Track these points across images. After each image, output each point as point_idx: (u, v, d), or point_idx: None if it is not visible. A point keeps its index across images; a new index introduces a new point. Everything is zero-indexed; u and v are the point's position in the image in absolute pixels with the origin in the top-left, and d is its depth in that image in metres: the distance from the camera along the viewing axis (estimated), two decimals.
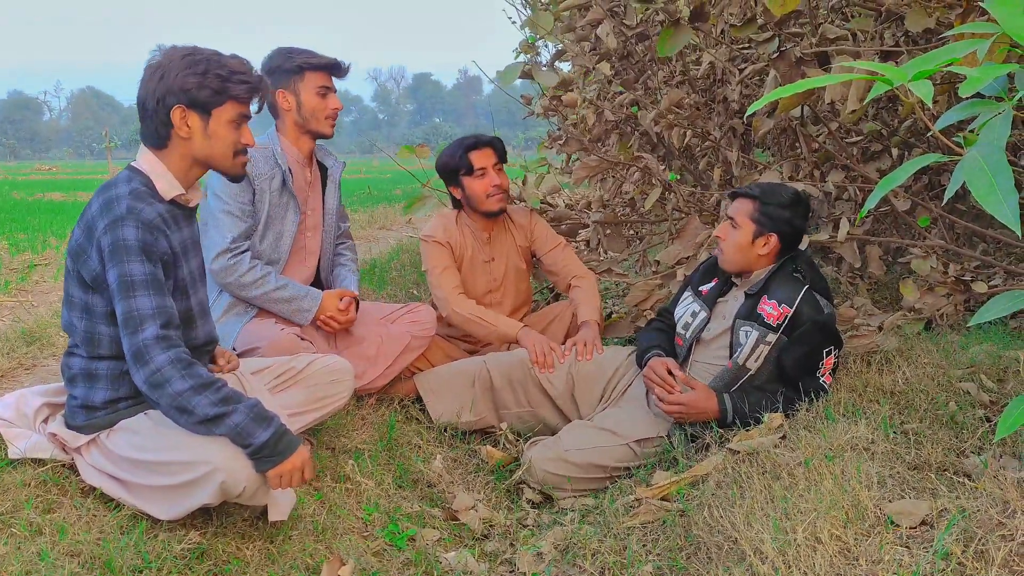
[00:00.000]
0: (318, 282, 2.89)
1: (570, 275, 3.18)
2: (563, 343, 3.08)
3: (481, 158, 3.01)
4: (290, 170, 2.66)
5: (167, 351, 1.69)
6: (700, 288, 2.66)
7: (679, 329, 2.66)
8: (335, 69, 2.69)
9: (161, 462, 1.76)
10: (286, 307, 2.61)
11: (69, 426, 1.89)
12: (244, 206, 2.57)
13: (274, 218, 2.65)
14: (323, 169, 2.85)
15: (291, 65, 2.63)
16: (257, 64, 2.06)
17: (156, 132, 1.85)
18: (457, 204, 3.16)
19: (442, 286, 3.01)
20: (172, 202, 1.88)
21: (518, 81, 3.74)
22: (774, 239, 2.49)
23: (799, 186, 2.84)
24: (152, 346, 1.69)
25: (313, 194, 2.80)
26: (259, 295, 2.57)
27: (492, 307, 3.17)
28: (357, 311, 2.78)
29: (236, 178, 1.99)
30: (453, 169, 3.05)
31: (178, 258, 1.85)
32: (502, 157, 3.06)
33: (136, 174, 1.85)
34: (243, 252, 2.56)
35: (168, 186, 1.86)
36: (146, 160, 1.87)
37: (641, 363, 2.66)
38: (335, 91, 2.72)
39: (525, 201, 3.75)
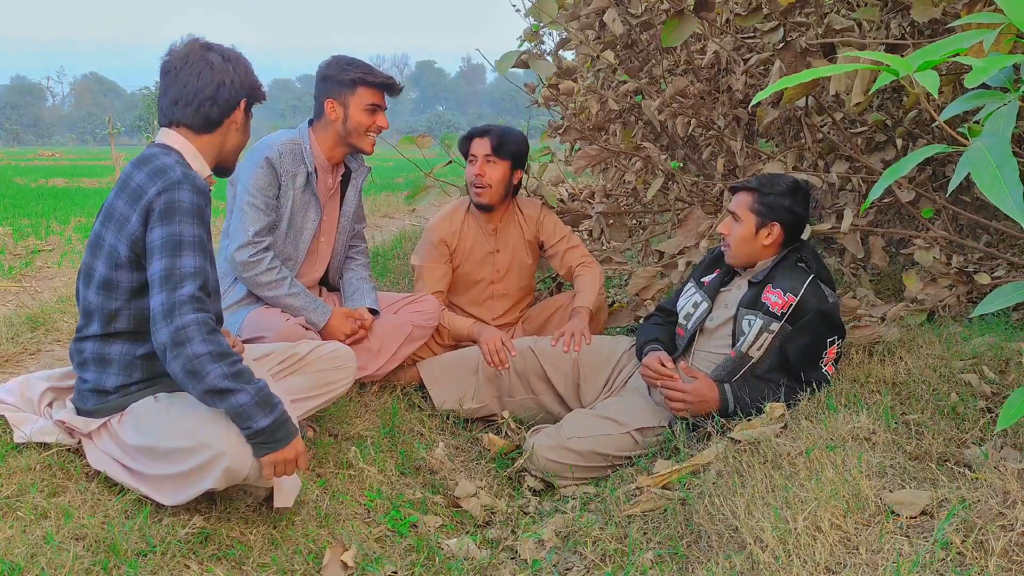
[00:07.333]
0: (326, 282, 2.88)
1: (575, 263, 3.18)
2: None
3: (475, 146, 3.07)
4: (315, 171, 2.65)
5: (197, 312, 1.70)
6: (702, 279, 2.67)
7: (681, 319, 2.66)
8: (389, 88, 2.67)
9: (167, 449, 1.76)
10: (294, 313, 2.60)
11: (80, 411, 1.90)
12: (269, 200, 2.57)
13: (296, 216, 2.64)
14: (346, 172, 2.82)
15: (346, 78, 2.60)
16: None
17: (210, 118, 1.89)
18: None
19: (421, 288, 3.07)
20: None
21: (522, 70, 3.72)
22: (777, 228, 2.49)
23: (801, 176, 2.84)
24: (186, 303, 1.69)
25: (332, 201, 2.78)
26: (271, 296, 2.57)
27: (494, 298, 3.19)
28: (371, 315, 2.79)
29: (227, 172, 2.04)
30: (461, 151, 3.16)
31: (209, 232, 1.88)
32: (499, 151, 3.02)
33: (169, 151, 1.87)
34: (266, 249, 2.56)
35: (200, 167, 1.90)
36: (176, 140, 1.89)
37: (640, 356, 2.67)
38: (385, 109, 2.68)
39: (543, 196, 3.71)
